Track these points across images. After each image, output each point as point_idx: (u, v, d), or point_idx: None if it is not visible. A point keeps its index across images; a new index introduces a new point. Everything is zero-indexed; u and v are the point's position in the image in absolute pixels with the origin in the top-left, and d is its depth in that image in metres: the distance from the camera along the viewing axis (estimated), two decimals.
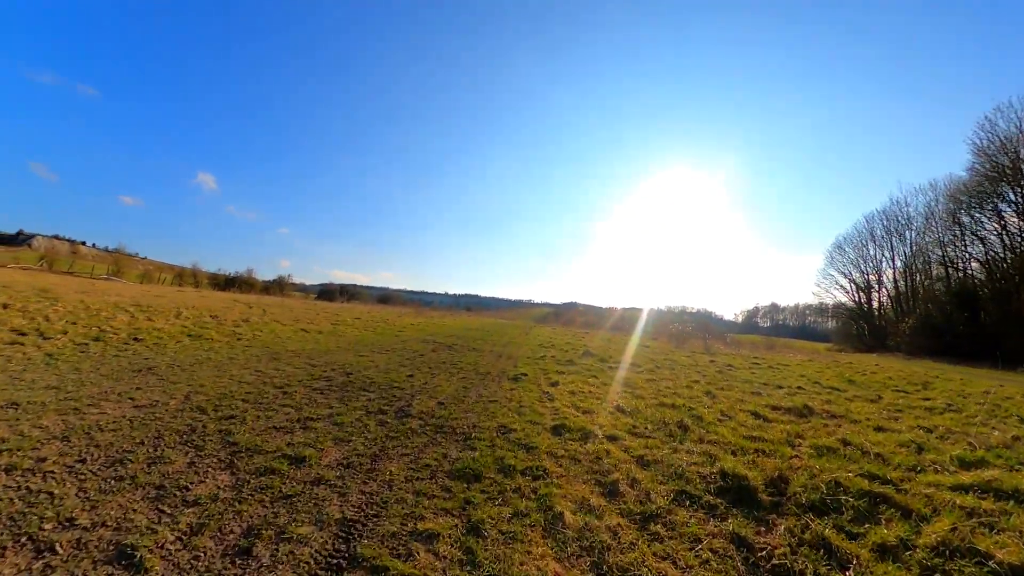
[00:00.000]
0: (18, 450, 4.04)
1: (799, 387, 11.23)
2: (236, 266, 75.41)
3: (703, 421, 6.77)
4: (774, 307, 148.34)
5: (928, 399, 10.39)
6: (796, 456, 5.53)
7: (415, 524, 3.28)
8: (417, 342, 15.98)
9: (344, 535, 3.12)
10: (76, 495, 3.43)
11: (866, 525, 3.79)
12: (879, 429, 7.12)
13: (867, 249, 51.96)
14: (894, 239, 49.52)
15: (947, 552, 3.32)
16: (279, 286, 67.72)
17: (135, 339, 10.31)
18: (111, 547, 2.81)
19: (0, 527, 2.91)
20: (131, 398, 5.93)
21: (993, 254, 38.07)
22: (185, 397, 6.16)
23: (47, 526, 2.97)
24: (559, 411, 6.85)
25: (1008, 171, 35.75)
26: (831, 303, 58.87)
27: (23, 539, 2.81)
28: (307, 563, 2.80)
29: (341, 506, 3.48)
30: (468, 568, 2.87)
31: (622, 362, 13.84)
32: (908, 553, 3.33)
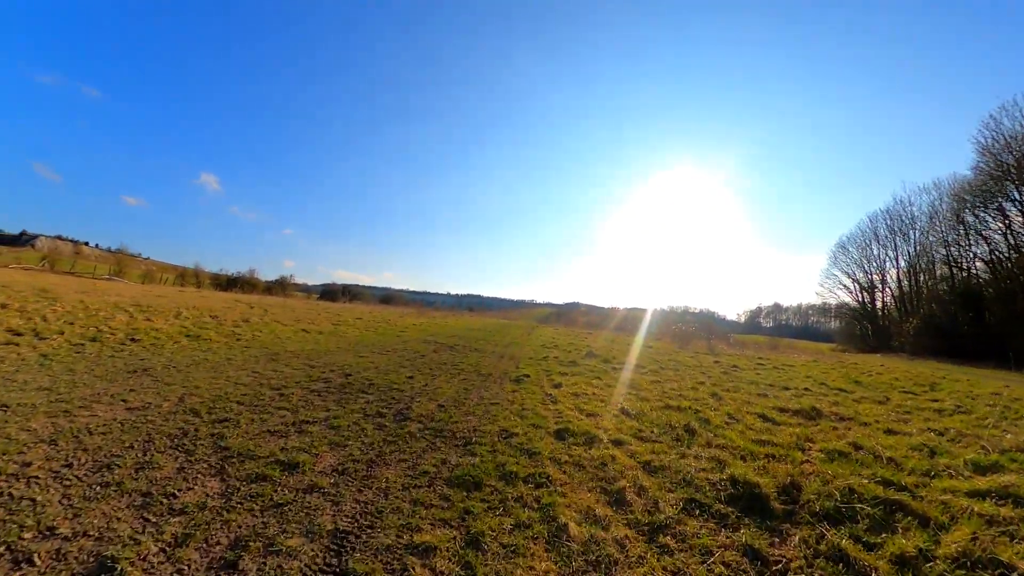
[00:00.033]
0: (3, 454, 3.91)
1: (806, 388, 11.09)
2: (239, 267, 75.36)
3: (710, 424, 6.61)
4: (777, 307, 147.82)
5: (936, 400, 10.24)
6: (807, 461, 5.37)
7: (411, 536, 3.11)
8: (418, 343, 15.83)
9: (336, 548, 2.96)
10: (59, 502, 3.30)
11: (883, 535, 3.63)
12: (890, 432, 6.97)
13: (871, 249, 51.66)
14: (898, 239, 49.19)
15: (968, 563, 3.17)
16: (281, 286, 67.68)
17: (132, 339, 10.18)
18: (91, 559, 2.67)
19: None
20: (124, 400, 5.80)
21: (998, 253, 37.73)
22: (179, 399, 6.02)
23: (27, 535, 2.84)
24: (562, 414, 6.67)
25: (1013, 170, 35.38)
26: (834, 303, 58.64)
27: (1, 548, 2.68)
28: None
29: (334, 516, 3.32)
30: None
31: (626, 363, 13.65)
32: (928, 565, 3.17)
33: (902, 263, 48.71)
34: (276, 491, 3.64)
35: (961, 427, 7.36)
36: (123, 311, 14.50)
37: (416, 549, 2.98)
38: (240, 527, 3.11)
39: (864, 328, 51.79)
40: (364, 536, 3.09)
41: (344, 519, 3.29)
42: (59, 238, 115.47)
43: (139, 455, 4.18)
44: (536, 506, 3.68)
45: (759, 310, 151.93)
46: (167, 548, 2.82)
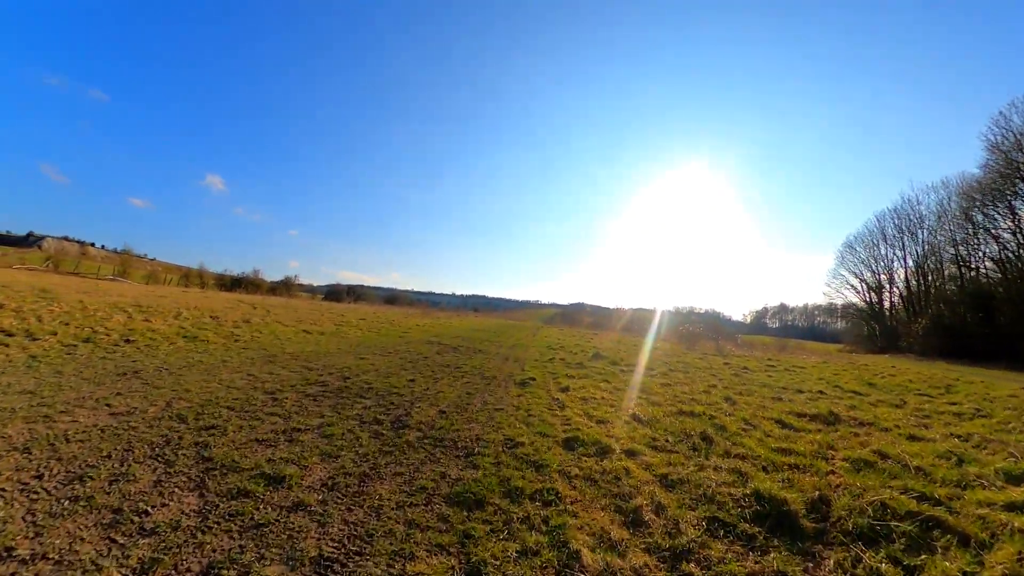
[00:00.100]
0: None
1: (820, 391, 10.81)
2: (244, 268, 75.33)
3: (727, 431, 6.25)
4: (783, 307, 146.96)
5: (954, 403, 10.01)
6: (832, 472, 5.04)
7: (404, 565, 2.75)
8: (421, 344, 15.51)
9: None
10: (23, 518, 3.00)
11: (922, 555, 3.33)
12: (912, 438, 6.68)
13: (878, 248, 51.05)
14: (906, 238, 48.57)
15: None
16: (286, 287, 67.57)
17: (126, 340, 9.90)
18: None
19: None
20: (108, 405, 5.50)
21: (1008, 252, 37.10)
22: (166, 404, 5.70)
23: None
24: (571, 421, 6.31)
25: (1023, 167, 34.82)
26: (841, 303, 58.00)
27: None
28: None
29: (319, 539, 2.97)
30: None
31: (634, 365, 13.30)
32: None
33: (910, 263, 48.15)
34: (258, 509, 3.30)
35: (984, 432, 7.15)
36: (122, 311, 14.25)
37: None
38: (215, 551, 2.78)
39: (872, 328, 51.16)
40: (351, 565, 2.74)
41: (330, 543, 2.94)
42: (66, 239, 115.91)
43: (116, 465, 3.87)
44: (544, 528, 3.30)
45: (765, 310, 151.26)
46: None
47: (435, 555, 2.90)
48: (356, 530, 3.12)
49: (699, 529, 3.47)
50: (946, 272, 44.17)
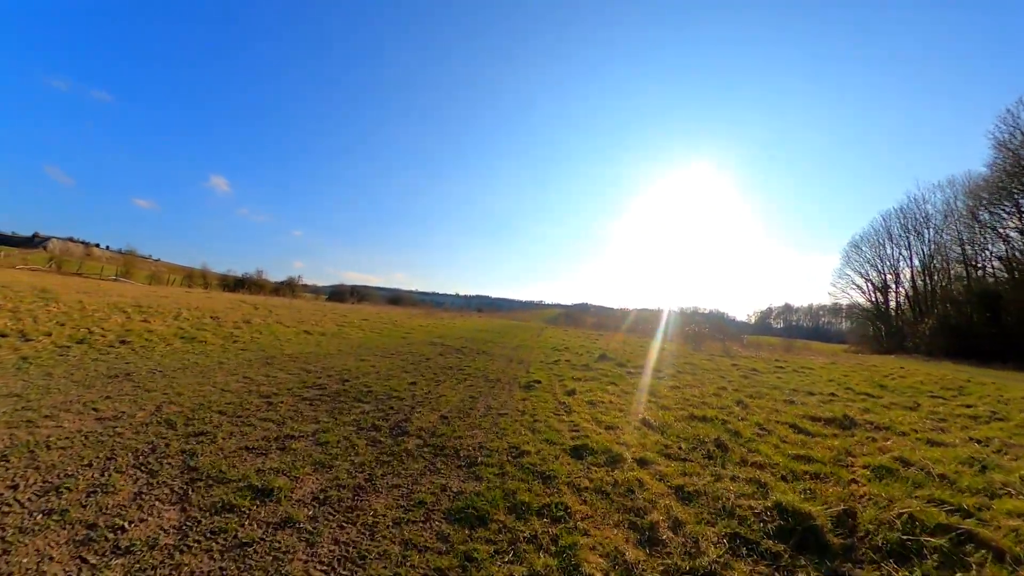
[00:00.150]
0: None
1: (832, 393, 10.57)
2: (249, 268, 75.29)
3: (741, 438, 5.98)
4: (787, 308, 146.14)
5: (969, 406, 9.75)
6: (854, 481, 4.80)
7: None
8: (424, 345, 15.25)
9: None
10: None
11: (957, 573, 3.12)
12: (931, 443, 6.44)
13: (884, 248, 50.50)
14: (912, 237, 48.01)
15: None
16: (289, 287, 67.58)
17: (122, 342, 9.68)
18: None
19: None
20: (95, 409, 5.27)
21: (1015, 252, 36.62)
22: (156, 408, 5.46)
23: None
24: (579, 427, 6.02)
25: None
26: (846, 304, 57.49)
27: None
28: None
29: (306, 562, 2.71)
30: None
31: (641, 367, 13.01)
32: None
33: (916, 262, 47.57)
34: (243, 526, 3.05)
35: (1003, 436, 6.94)
36: (121, 312, 14.07)
37: None
38: (192, 574, 2.53)
39: (878, 329, 50.66)
40: None
41: (318, 567, 2.67)
42: (71, 240, 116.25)
43: (96, 475, 3.64)
44: (553, 549, 3.02)
45: (769, 311, 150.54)
46: None
47: None
48: (347, 551, 2.86)
49: (720, 548, 3.20)
50: (952, 272, 43.67)
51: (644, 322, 44.76)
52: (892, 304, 50.58)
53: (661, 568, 2.90)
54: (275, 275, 70.21)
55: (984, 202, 38.77)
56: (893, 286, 50.39)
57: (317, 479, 3.86)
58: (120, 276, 48.05)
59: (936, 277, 45.50)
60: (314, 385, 7.41)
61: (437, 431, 5.47)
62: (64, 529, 2.91)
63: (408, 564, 2.76)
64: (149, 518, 3.08)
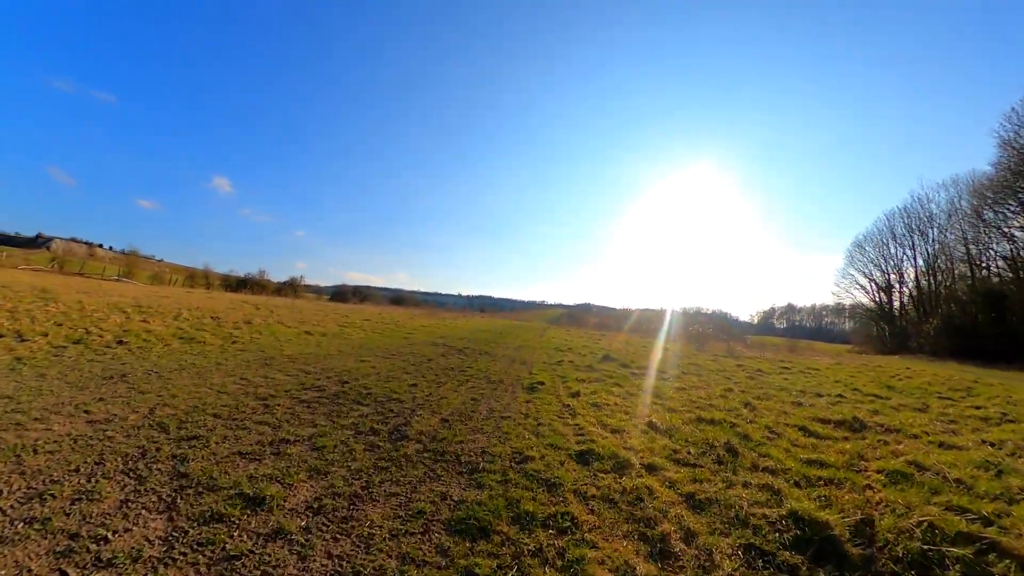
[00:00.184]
0: None
1: (839, 395, 10.40)
2: (251, 269, 75.23)
3: (751, 441, 5.81)
4: (790, 308, 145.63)
5: (978, 407, 9.60)
6: (869, 487, 4.65)
7: None
8: (426, 345, 15.09)
9: None
10: None
11: None
12: (944, 446, 6.31)
13: (888, 248, 50.13)
14: (916, 237, 47.64)
15: None
16: (292, 287, 67.54)
17: (119, 342, 9.55)
18: None
19: None
20: (87, 411, 5.13)
21: (1020, 251, 36.28)
22: (149, 411, 5.31)
23: None
24: (584, 430, 5.83)
25: None
26: (849, 303, 57.15)
27: None
28: None
29: None
30: None
31: (645, 367, 12.83)
32: None
33: (920, 262, 47.21)
34: (232, 537, 2.89)
35: (1016, 438, 6.83)
36: (120, 312, 13.96)
37: None
38: None
39: (881, 329, 50.33)
40: None
41: None
42: (74, 240, 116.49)
43: (82, 481, 3.50)
44: (560, 563, 2.83)
45: (772, 311, 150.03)
46: None
47: None
48: (341, 565, 2.69)
49: (736, 560, 3.03)
50: (957, 272, 43.36)
51: (647, 322, 44.61)
52: (896, 304, 50.25)
53: None
54: (277, 275, 70.28)
55: (989, 201, 38.43)
56: (897, 286, 50.08)
57: (312, 486, 3.69)
58: (122, 276, 48.03)
59: (940, 277, 45.18)
60: (313, 387, 7.26)
61: (438, 435, 5.29)
62: (45, 539, 2.77)
63: None
64: (134, 528, 2.93)
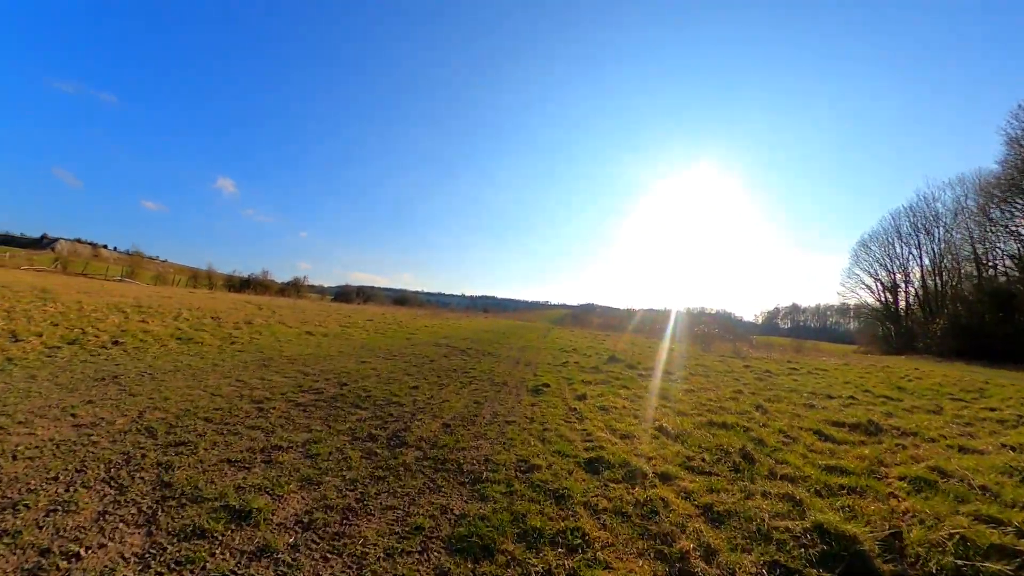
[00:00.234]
0: None
1: (851, 397, 10.17)
2: (255, 269, 75.18)
3: (766, 446, 5.56)
4: (795, 308, 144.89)
5: (993, 409, 9.42)
6: (893, 495, 4.41)
7: None
8: (428, 346, 14.85)
9: None
10: None
11: None
12: (963, 450, 6.09)
13: (893, 247, 49.65)
14: (921, 236, 47.16)
15: None
16: (295, 288, 67.46)
17: (115, 342, 9.35)
18: None
19: None
20: (73, 415, 4.92)
21: None
22: (138, 414, 5.09)
23: None
24: (592, 436, 5.56)
25: None
26: (855, 303, 56.67)
27: None
28: None
29: None
30: None
31: (652, 369, 12.58)
32: None
33: (926, 261, 46.75)
34: (214, 555, 2.66)
35: None
36: (119, 312, 13.79)
37: None
38: None
39: (887, 329, 49.87)
40: None
41: None
42: (79, 241, 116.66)
43: (60, 491, 3.28)
44: None
45: (777, 311, 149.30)
46: None
47: None
48: None
49: None
50: (963, 271, 42.89)
51: (651, 323, 44.35)
52: (902, 304, 49.80)
53: None
54: (281, 276, 70.29)
55: (996, 199, 38.03)
56: (903, 286, 49.62)
57: (302, 498, 3.45)
58: (125, 276, 48.02)
59: (946, 276, 44.73)
60: (310, 389, 7.02)
61: (439, 441, 5.04)
62: (14, 554, 2.56)
63: None
64: (109, 543, 2.71)
